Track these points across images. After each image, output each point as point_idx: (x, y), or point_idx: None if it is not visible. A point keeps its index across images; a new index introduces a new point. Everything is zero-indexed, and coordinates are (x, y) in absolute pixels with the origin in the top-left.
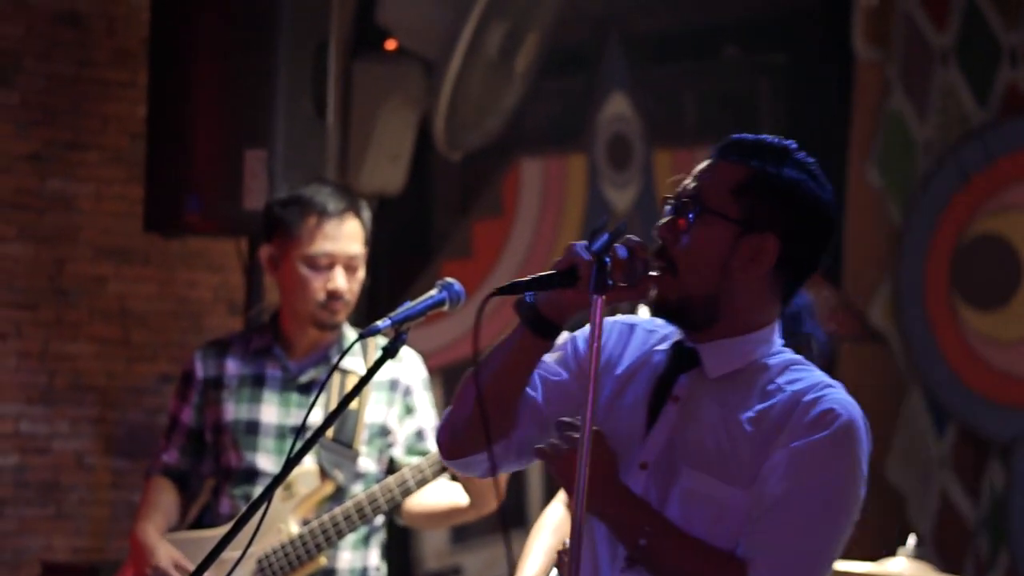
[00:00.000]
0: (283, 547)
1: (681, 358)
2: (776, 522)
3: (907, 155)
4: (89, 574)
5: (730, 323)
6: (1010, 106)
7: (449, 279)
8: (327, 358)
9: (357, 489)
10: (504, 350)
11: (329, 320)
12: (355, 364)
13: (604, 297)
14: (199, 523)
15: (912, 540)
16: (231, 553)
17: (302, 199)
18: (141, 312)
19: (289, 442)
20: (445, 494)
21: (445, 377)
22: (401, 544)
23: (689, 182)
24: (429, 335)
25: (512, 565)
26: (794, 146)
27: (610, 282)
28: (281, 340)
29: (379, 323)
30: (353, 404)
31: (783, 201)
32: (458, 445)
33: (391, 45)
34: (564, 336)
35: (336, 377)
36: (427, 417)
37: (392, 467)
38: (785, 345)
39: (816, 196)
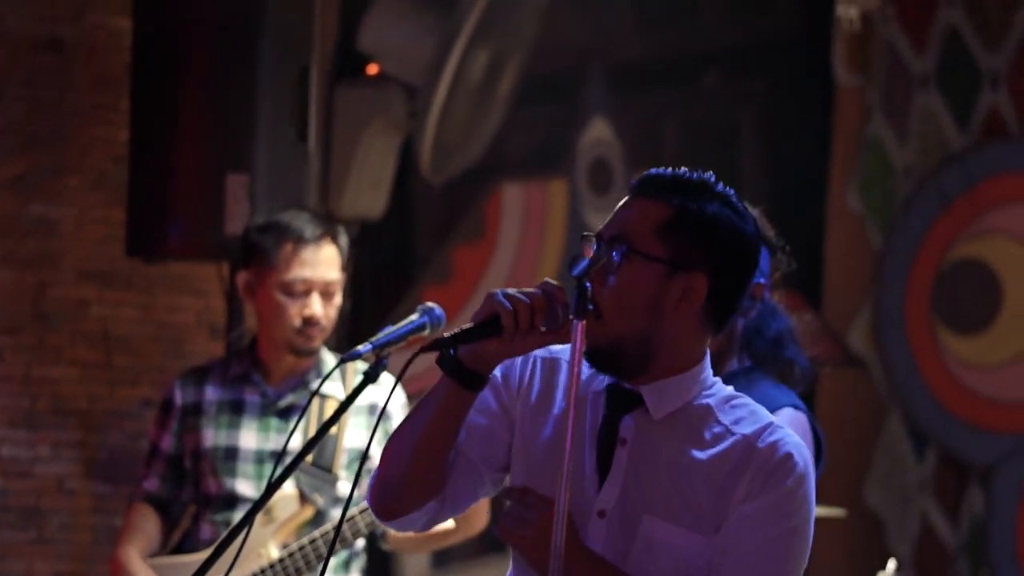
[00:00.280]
0: (263, 572)
1: (621, 399)
2: (745, 572)
3: (888, 180)
4: None
5: (666, 363)
6: (990, 130)
7: (430, 304)
8: (305, 383)
9: (336, 513)
10: (430, 406)
11: (305, 346)
12: (334, 389)
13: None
14: (180, 548)
15: (892, 565)
16: None
17: (279, 225)
18: (123, 336)
19: (268, 467)
20: None
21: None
22: (382, 569)
23: (610, 221)
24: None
25: None
26: (712, 179)
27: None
28: (259, 366)
29: (360, 348)
30: (333, 429)
31: (709, 238)
32: (390, 506)
33: (373, 70)
34: None
35: (315, 402)
36: None
37: None
38: (766, 370)
39: (740, 229)
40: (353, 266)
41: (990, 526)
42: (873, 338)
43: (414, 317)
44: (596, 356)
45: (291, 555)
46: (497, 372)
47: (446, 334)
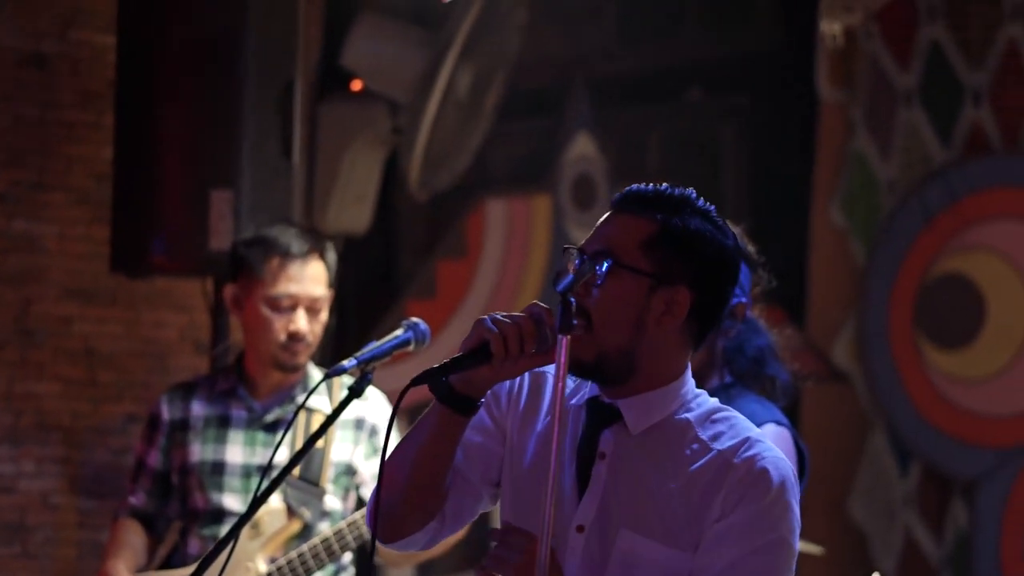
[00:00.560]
0: None
1: (600, 413)
2: None
3: (871, 195)
4: None
5: (647, 376)
6: (973, 146)
7: (415, 319)
8: (292, 398)
9: (323, 527)
10: (424, 431)
11: (290, 361)
12: (321, 403)
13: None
14: (168, 564)
15: None
16: None
17: (266, 240)
18: (107, 352)
19: (255, 481)
20: None
21: (412, 417)
22: None
23: (593, 236)
24: (395, 375)
25: None
26: (694, 195)
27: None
28: (246, 381)
29: (345, 363)
30: (319, 443)
31: (691, 252)
32: (391, 530)
33: (357, 86)
34: None
35: (302, 416)
36: None
37: (360, 505)
38: (747, 386)
39: (721, 244)
40: (337, 281)
41: (974, 540)
42: (857, 353)
43: (399, 332)
44: (581, 368)
45: (279, 569)
46: (491, 390)
47: (436, 364)
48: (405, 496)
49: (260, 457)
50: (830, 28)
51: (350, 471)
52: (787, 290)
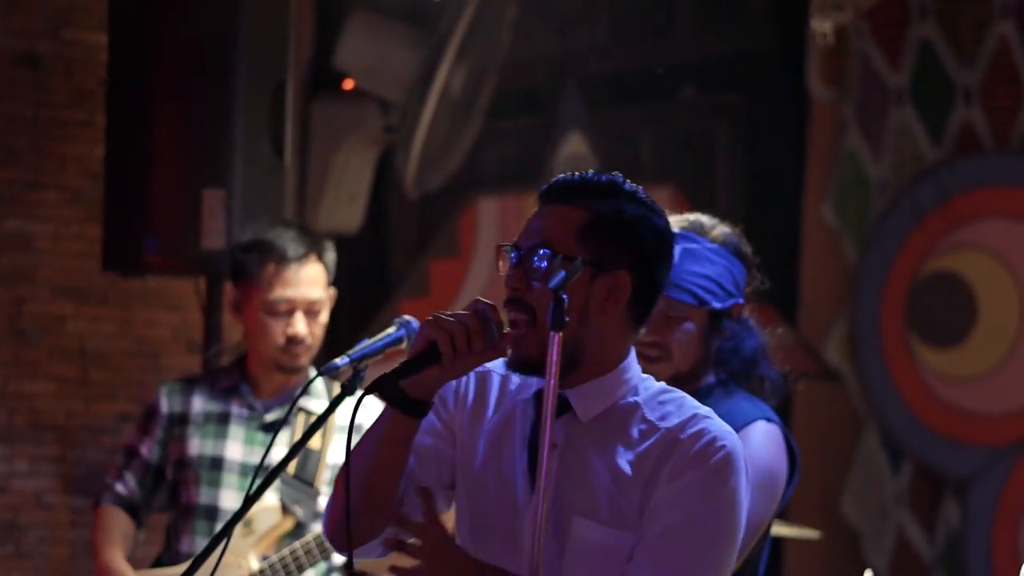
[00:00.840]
0: None
1: None
2: (661, 556)
3: (862, 194)
4: None
5: (593, 364)
6: (964, 145)
7: (407, 317)
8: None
9: (317, 527)
10: (376, 436)
11: (290, 364)
12: (320, 406)
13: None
14: (160, 562)
15: None
16: None
17: (263, 244)
18: (100, 351)
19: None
20: None
21: None
22: None
23: (526, 231)
24: None
25: None
26: (620, 178)
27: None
28: (248, 380)
29: (337, 361)
30: (316, 444)
31: (627, 236)
32: (346, 537)
33: (349, 85)
34: None
35: (301, 418)
36: None
37: None
38: (736, 385)
39: (654, 223)
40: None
41: (966, 539)
42: (849, 352)
43: (391, 330)
44: (525, 364)
45: (270, 566)
46: (439, 393)
47: (386, 372)
48: (359, 503)
49: (258, 456)
50: (821, 27)
51: None
52: (779, 289)
